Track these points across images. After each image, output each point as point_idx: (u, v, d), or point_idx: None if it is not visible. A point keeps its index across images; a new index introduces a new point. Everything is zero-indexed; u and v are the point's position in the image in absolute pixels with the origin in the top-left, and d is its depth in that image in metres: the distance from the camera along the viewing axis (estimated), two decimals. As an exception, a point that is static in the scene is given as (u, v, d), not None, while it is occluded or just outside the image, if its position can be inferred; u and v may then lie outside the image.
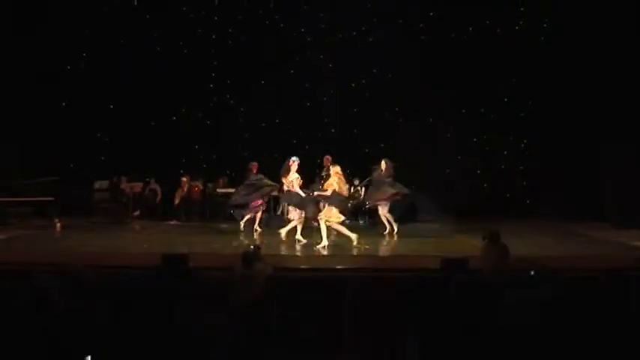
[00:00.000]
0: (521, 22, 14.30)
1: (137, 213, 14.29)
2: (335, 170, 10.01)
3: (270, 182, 11.55)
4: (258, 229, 11.78)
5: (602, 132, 12.95)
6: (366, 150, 14.37)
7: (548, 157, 14.02)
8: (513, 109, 14.50)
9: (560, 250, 9.92)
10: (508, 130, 14.54)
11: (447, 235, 11.39)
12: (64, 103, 14.58)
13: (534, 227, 12.39)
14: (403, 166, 12.77)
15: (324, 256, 9.41)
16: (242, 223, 11.70)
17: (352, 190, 12.82)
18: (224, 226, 12.63)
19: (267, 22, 14.67)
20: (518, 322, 4.81)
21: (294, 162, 10.59)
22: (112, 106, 14.68)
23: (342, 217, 9.95)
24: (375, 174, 11.76)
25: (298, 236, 10.31)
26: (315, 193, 10.23)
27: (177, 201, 13.99)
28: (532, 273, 5.27)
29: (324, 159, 12.41)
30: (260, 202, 11.62)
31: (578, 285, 5.47)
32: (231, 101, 14.94)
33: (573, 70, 13.28)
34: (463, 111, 14.50)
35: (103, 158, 14.54)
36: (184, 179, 14.00)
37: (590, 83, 13.01)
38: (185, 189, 13.91)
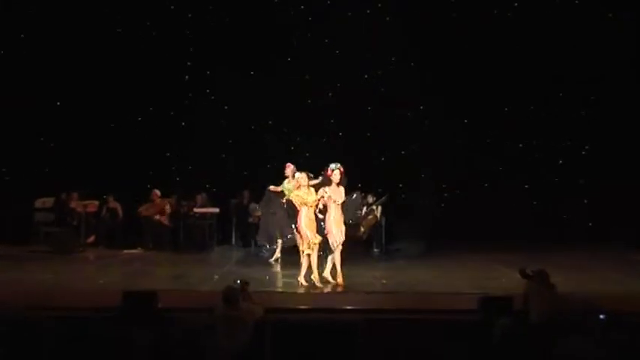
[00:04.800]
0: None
1: (91, 239, 14.28)
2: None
3: None
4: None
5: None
6: (382, 159, 14.41)
7: (617, 167, 13.99)
8: (571, 105, 14.50)
9: (633, 287, 9.86)
10: (565, 133, 14.55)
11: (484, 266, 11.40)
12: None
13: (600, 258, 12.31)
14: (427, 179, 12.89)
15: (329, 293, 9.39)
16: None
17: (366, 209, 12.83)
18: (202, 255, 12.61)
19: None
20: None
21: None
22: (58, 103, 14.72)
23: None
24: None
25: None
26: None
27: (145, 213, 13.87)
28: (601, 317, 5.26)
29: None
30: None
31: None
32: (212, 97, 14.98)
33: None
34: (506, 109, 14.56)
35: (47, 169, 14.55)
36: (157, 192, 13.95)
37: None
38: (162, 207, 13.86)
